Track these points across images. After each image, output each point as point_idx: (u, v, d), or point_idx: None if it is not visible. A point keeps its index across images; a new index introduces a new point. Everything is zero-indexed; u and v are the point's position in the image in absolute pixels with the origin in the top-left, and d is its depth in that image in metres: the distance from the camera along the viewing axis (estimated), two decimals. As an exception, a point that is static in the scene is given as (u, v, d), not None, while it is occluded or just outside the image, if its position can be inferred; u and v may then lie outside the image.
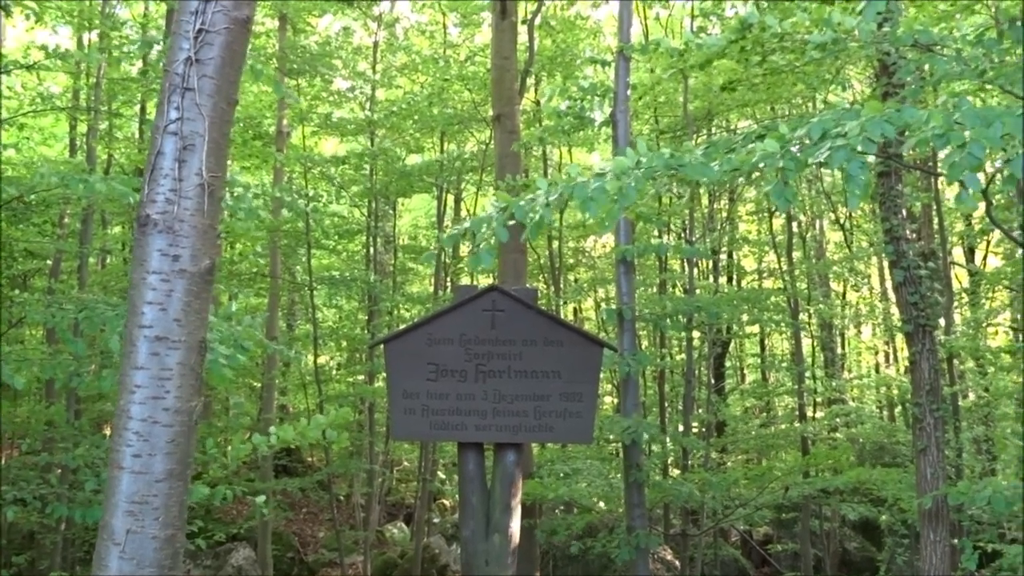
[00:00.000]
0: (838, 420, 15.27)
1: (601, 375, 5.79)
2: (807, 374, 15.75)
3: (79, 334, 6.30)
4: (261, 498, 5.92)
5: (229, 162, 15.68)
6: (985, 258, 15.88)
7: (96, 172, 9.15)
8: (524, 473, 6.59)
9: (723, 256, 16.53)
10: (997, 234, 13.68)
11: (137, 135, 13.62)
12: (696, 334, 13.76)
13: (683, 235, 13.30)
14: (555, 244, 16.05)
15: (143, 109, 12.97)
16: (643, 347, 15.88)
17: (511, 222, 3.96)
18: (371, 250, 15.97)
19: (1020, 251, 11.66)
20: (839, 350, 18.46)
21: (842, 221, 16.73)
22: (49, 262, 12.38)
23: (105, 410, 11.55)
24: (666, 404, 15.05)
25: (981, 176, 3.40)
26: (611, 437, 11.53)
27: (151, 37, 9.38)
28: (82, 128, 12.64)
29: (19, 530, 11.26)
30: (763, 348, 19.20)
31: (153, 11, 13.60)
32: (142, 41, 9.25)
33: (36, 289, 12.75)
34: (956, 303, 14.91)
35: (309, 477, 14.64)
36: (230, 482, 7.51)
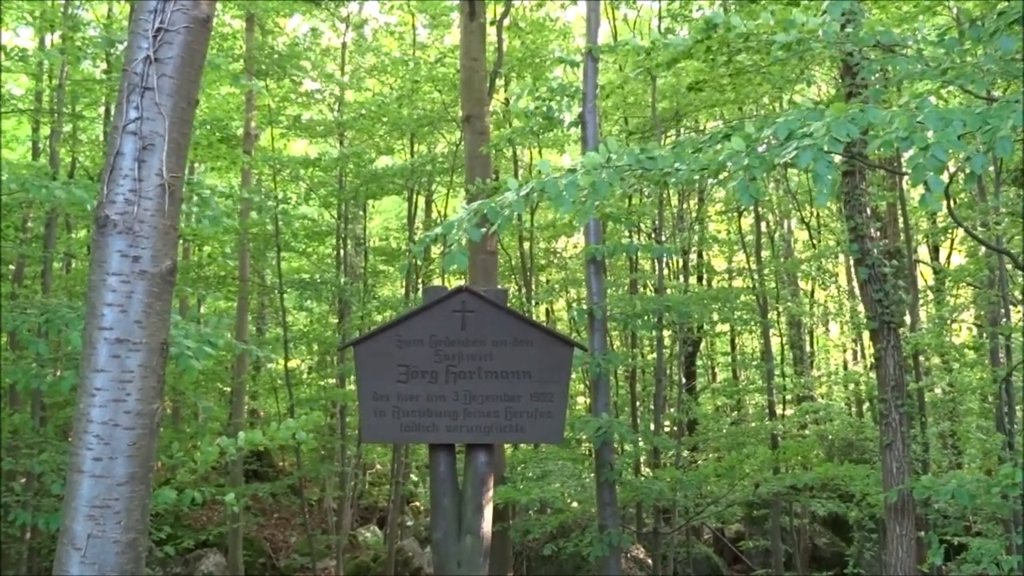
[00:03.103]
0: (807, 417, 15.43)
1: (572, 375, 5.81)
2: (776, 372, 15.90)
3: (44, 336, 6.20)
4: (231, 495, 5.85)
5: (197, 165, 15.46)
6: (949, 256, 16.13)
7: (60, 175, 9.02)
8: (496, 474, 6.59)
9: (693, 256, 16.65)
10: (960, 232, 13.90)
11: (101, 137, 13.43)
12: (667, 333, 13.84)
13: (653, 235, 13.37)
14: (526, 245, 16.07)
15: (107, 111, 12.79)
16: (614, 347, 15.94)
17: (483, 229, 3.96)
18: (341, 252, 15.88)
19: (983, 249, 11.86)
20: (808, 348, 18.66)
21: (808, 220, 16.92)
22: (12, 267, 12.17)
23: (71, 416, 11.38)
24: (637, 403, 15.12)
25: (944, 175, 3.46)
26: (583, 437, 11.57)
27: (113, 35, 9.25)
28: (45, 131, 12.45)
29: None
30: (733, 347, 19.37)
31: (117, 12, 13.43)
32: (104, 39, 9.11)
33: (-2, 294, 12.52)
34: (921, 300, 15.14)
35: (280, 482, 14.51)
36: (199, 487, 7.42)
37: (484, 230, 4.00)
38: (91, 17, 13.04)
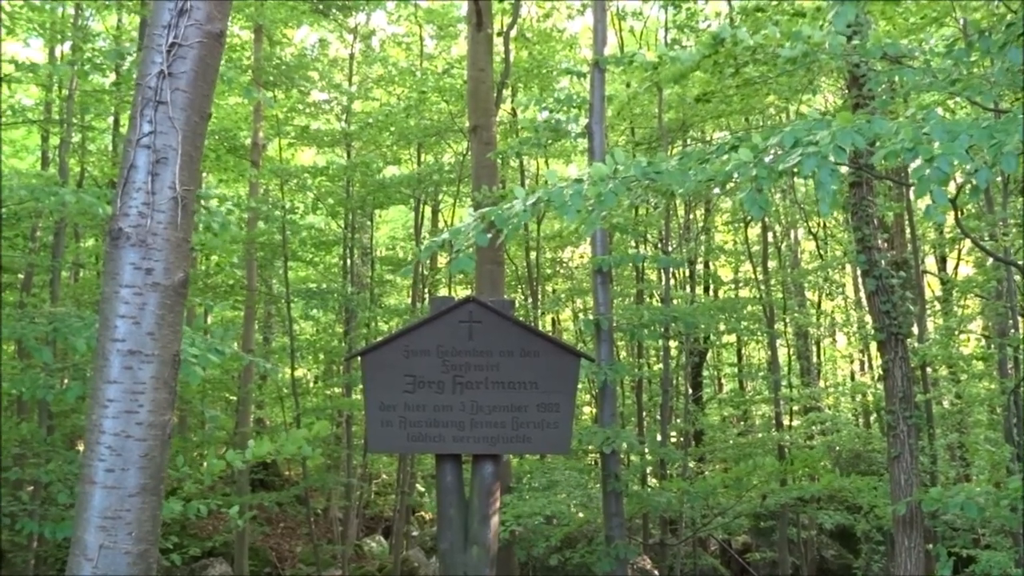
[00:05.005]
0: (814, 428, 15.38)
1: (579, 386, 5.81)
2: (783, 383, 15.86)
3: (51, 344, 6.23)
4: (234, 508, 5.85)
5: (204, 175, 15.58)
6: (957, 267, 16.10)
7: (69, 185, 9.07)
8: (502, 484, 6.58)
9: (699, 266, 16.64)
10: (968, 243, 13.88)
11: (110, 148, 13.50)
12: (673, 344, 13.83)
13: (659, 245, 13.38)
14: (533, 255, 16.09)
15: (116, 122, 12.87)
16: (620, 357, 15.93)
17: (489, 234, 3.98)
18: (348, 262, 15.92)
19: (990, 260, 11.83)
20: (815, 358, 18.61)
21: (815, 231, 16.90)
22: (21, 276, 12.23)
23: (79, 425, 11.42)
24: (644, 414, 15.09)
25: (951, 187, 3.46)
26: (589, 447, 11.54)
27: (123, 48, 9.32)
28: (54, 141, 12.52)
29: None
30: (740, 357, 19.32)
31: (126, 23, 13.52)
32: (114, 51, 9.18)
33: (7, 303, 12.58)
34: (929, 311, 15.10)
35: (286, 491, 14.52)
36: (205, 497, 7.43)
37: (491, 235, 4.01)
38: (101, 28, 13.13)
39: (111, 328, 2.72)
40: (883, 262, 7.74)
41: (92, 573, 2.61)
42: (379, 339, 5.53)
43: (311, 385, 18.68)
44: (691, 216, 15.51)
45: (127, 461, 2.67)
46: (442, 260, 15.47)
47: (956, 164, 3.23)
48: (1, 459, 7.51)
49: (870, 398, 16.85)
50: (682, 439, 14.43)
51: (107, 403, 2.68)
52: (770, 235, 16.23)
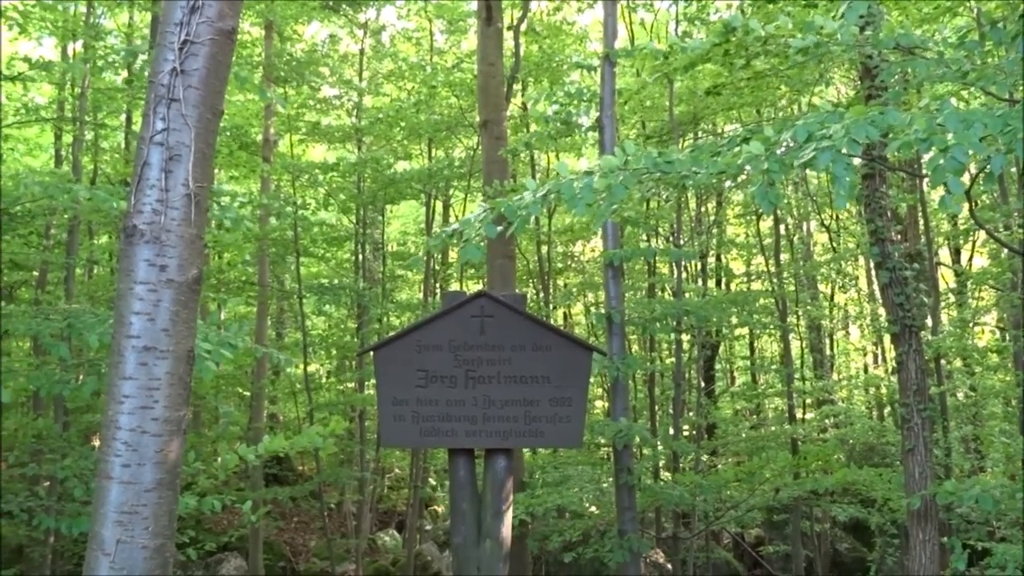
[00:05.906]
0: (828, 421, 15.33)
1: (591, 379, 5.81)
2: (796, 376, 15.80)
3: (67, 340, 6.28)
4: (248, 503, 5.89)
5: (216, 172, 15.70)
6: (971, 258, 16.00)
7: (82, 183, 9.12)
8: (515, 479, 6.59)
9: (711, 259, 16.59)
10: (982, 234, 13.79)
11: (123, 145, 13.57)
12: (685, 337, 13.80)
13: (671, 239, 13.35)
14: (544, 249, 16.08)
15: (129, 119, 12.93)
16: (632, 351, 15.91)
17: (499, 227, 3.98)
18: (360, 257, 15.95)
19: (1005, 251, 11.75)
20: (828, 351, 18.54)
21: (828, 223, 16.83)
22: (35, 273, 12.31)
23: (94, 421, 11.50)
24: (656, 408, 15.07)
25: (965, 177, 3.44)
26: (601, 441, 11.55)
27: (136, 47, 9.35)
28: (67, 139, 12.59)
29: (7, 543, 11.17)
30: (752, 350, 19.27)
31: (138, 20, 13.57)
32: (127, 50, 9.23)
33: (22, 300, 12.67)
34: (943, 303, 15.01)
35: (300, 486, 14.59)
36: (220, 492, 7.48)
37: (501, 228, 4.01)
38: (113, 26, 13.19)
39: (126, 325, 2.73)
40: (896, 254, 7.70)
41: (109, 567, 2.63)
42: (391, 334, 5.54)
43: (324, 380, 18.74)
44: (703, 209, 15.47)
45: (143, 456, 2.69)
46: (453, 255, 15.49)
47: (971, 154, 3.21)
48: (2, 455, 7.58)
49: (883, 391, 16.78)
50: (695, 433, 14.41)
51: (123, 399, 2.70)
52: (782, 228, 16.17)
